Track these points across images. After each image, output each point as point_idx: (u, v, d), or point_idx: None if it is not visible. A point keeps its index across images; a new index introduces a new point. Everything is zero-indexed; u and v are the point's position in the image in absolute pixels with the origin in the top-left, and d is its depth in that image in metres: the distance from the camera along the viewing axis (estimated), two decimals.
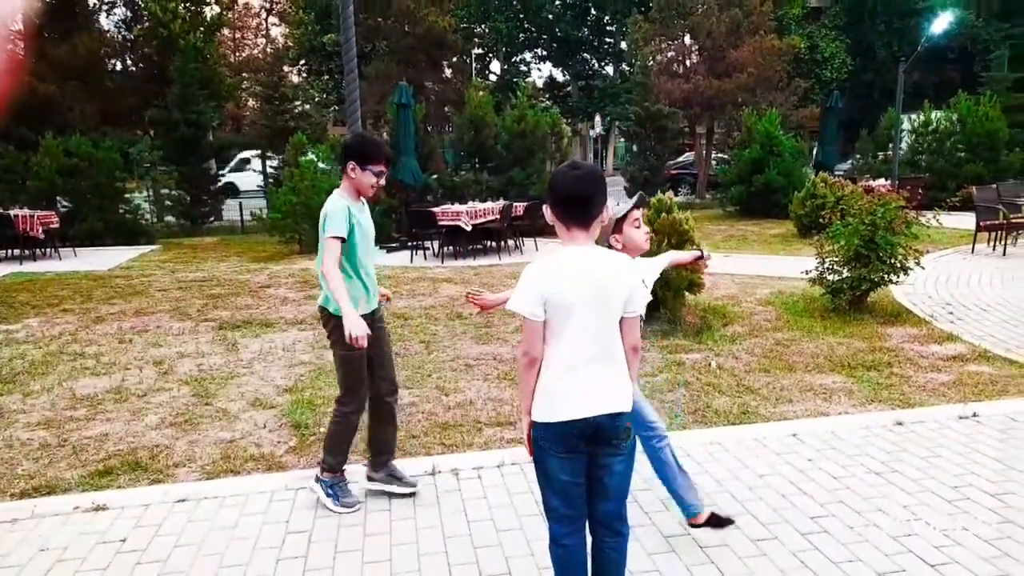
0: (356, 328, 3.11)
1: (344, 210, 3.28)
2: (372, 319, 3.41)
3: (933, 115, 18.96)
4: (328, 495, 3.49)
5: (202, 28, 20.71)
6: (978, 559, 2.93)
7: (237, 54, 36.82)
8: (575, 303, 2.20)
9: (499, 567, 2.97)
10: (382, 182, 3.43)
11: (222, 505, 3.55)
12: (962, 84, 24.31)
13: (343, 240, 3.27)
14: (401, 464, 3.73)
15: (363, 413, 3.58)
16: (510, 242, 13.05)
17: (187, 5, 20.09)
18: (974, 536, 3.11)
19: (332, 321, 3.36)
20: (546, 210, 2.31)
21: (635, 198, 2.97)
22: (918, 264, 7.10)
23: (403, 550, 3.11)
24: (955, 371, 5.46)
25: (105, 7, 22.99)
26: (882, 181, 15.91)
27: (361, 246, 3.38)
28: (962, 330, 6.61)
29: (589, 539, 2.41)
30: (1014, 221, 11.35)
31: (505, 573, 2.93)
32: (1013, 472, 3.70)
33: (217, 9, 22.63)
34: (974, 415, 4.49)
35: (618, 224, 2.89)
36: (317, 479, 3.55)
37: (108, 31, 22.33)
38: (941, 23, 16.50)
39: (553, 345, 2.25)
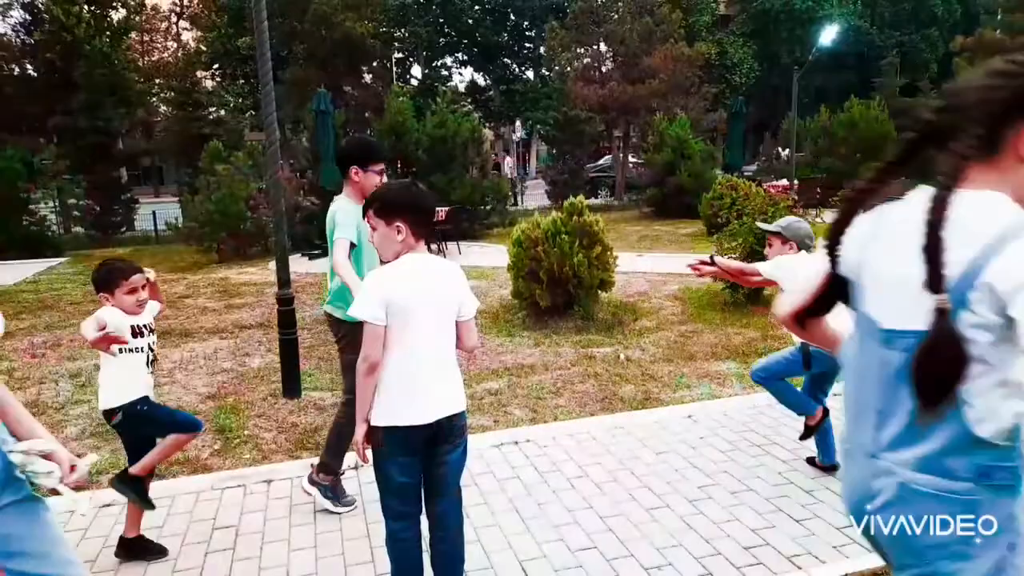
0: None
1: (353, 214, 3.25)
2: None
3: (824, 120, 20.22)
4: (327, 497, 3.53)
5: (108, 32, 20.04)
6: (834, 512, 3.38)
7: (146, 58, 35.59)
8: (416, 307, 2.31)
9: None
10: (385, 179, 3.41)
11: None
12: (859, 88, 25.99)
13: (353, 245, 3.29)
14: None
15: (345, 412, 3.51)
16: (432, 246, 13.25)
17: (92, 8, 19.38)
18: (835, 494, 3.56)
19: (343, 327, 3.38)
20: (382, 224, 2.36)
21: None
22: None
23: (327, 537, 3.32)
24: None
25: (0, 9, 21.95)
26: (784, 182, 16.93)
27: (367, 252, 3.32)
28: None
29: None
30: None
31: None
32: None
33: (124, 12, 21.92)
34: None
35: None
36: (312, 481, 3.56)
37: (5, 35, 21.33)
38: (829, 34, 17.77)
39: (394, 351, 2.32)
